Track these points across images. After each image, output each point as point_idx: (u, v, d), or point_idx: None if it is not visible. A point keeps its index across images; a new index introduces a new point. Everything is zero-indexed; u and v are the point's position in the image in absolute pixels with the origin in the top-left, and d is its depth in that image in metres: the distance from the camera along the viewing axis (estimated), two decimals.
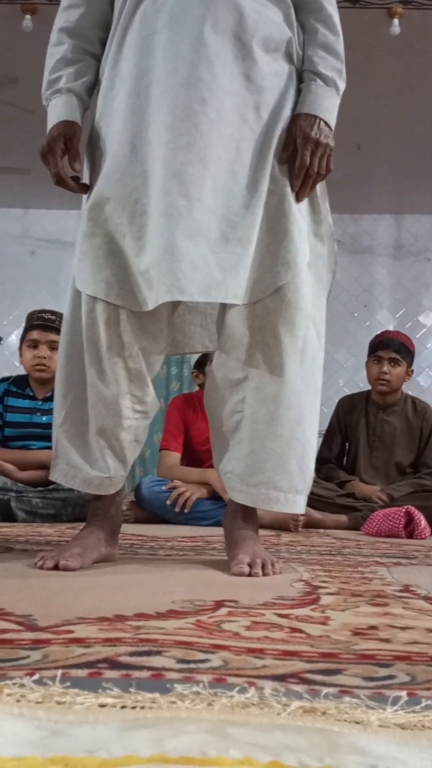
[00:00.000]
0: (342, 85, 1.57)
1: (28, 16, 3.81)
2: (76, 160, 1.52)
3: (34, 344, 3.06)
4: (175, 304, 1.59)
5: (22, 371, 3.21)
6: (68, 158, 1.51)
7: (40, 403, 3.10)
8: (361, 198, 5.96)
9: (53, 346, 3.01)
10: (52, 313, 3.13)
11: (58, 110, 1.55)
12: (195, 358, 3.68)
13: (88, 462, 1.54)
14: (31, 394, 3.13)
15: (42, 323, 3.07)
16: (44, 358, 3.02)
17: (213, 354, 1.64)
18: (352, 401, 3.61)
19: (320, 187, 1.59)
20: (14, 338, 6.30)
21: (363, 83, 4.29)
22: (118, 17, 1.54)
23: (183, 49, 1.43)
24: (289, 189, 1.50)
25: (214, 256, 1.40)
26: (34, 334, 3.07)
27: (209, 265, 1.39)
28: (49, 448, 1.64)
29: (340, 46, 1.58)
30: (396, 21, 3.76)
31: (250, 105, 1.48)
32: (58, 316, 3.06)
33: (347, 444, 3.58)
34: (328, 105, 1.54)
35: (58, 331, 2.96)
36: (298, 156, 1.49)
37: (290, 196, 1.50)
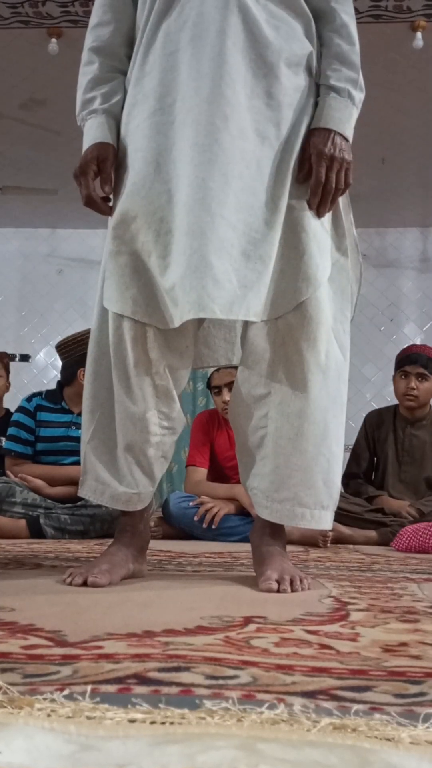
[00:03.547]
0: (357, 95, 1.54)
1: (54, 40, 3.89)
2: (106, 183, 1.53)
3: None
4: (200, 319, 1.60)
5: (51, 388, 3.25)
6: (100, 180, 1.53)
7: (76, 416, 3.11)
8: (387, 211, 5.95)
9: None
10: None
11: (93, 132, 1.56)
12: None
13: (116, 478, 1.55)
14: (66, 407, 3.15)
15: None
16: None
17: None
18: (379, 416, 3.58)
19: (343, 201, 1.58)
20: (42, 356, 6.37)
21: (386, 97, 4.30)
22: (141, 35, 1.55)
23: (205, 66, 1.44)
24: (307, 204, 1.50)
25: (235, 272, 1.40)
26: None
27: (231, 282, 1.39)
28: (80, 463, 1.66)
29: (355, 54, 1.55)
30: (419, 34, 3.76)
31: (271, 122, 1.48)
32: None
33: (376, 459, 3.55)
34: (341, 116, 1.51)
35: None
36: (313, 173, 1.48)
37: (309, 212, 1.49)
